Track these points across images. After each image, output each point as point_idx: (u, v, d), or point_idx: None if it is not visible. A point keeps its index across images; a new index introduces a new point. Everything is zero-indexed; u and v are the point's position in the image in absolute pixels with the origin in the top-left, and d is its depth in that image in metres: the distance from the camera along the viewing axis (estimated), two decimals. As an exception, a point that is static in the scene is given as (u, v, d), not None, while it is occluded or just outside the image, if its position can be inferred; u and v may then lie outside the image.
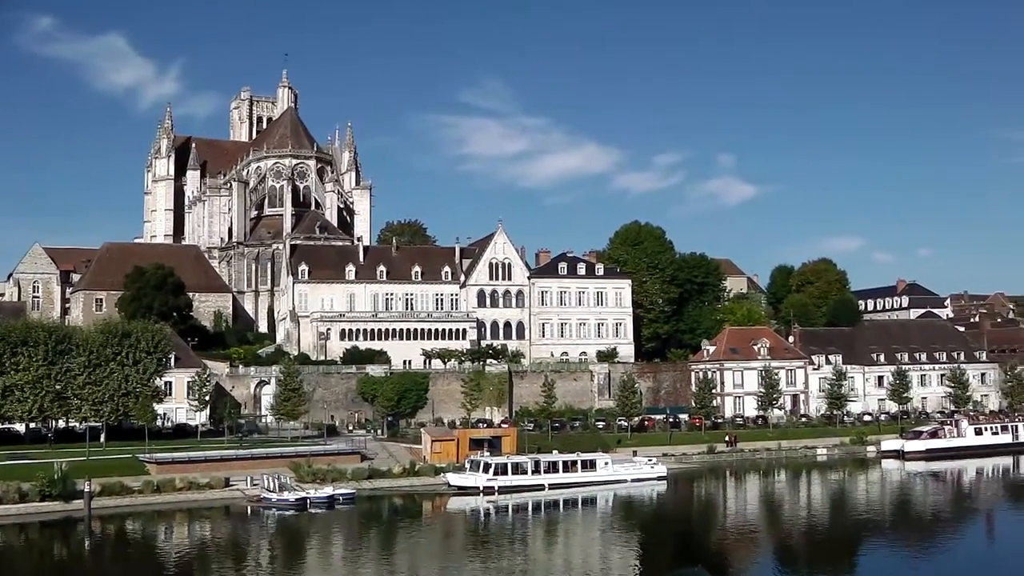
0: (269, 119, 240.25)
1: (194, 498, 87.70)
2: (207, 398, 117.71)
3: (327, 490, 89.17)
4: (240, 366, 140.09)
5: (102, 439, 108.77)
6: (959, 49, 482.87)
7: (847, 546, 73.62)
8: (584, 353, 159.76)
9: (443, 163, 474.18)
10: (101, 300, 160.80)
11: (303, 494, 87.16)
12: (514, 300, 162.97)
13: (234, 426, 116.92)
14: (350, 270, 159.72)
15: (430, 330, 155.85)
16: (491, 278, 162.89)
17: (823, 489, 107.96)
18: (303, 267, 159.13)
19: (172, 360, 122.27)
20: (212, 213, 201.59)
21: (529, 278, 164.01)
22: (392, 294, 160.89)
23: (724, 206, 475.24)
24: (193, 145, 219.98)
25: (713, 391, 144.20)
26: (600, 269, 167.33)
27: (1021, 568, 63.63)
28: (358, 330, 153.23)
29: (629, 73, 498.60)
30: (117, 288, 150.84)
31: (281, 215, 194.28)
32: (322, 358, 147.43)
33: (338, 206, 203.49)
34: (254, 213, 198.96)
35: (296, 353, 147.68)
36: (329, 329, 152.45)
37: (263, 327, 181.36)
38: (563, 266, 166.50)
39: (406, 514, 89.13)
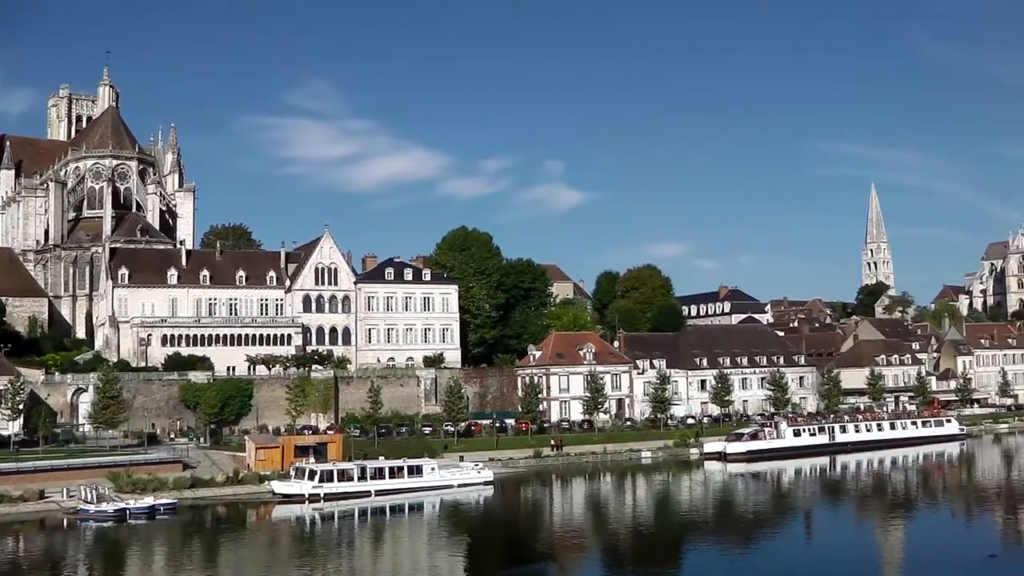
0: (89, 118, 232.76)
1: (5, 511, 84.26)
2: (21, 407, 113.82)
3: (147, 500, 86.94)
4: (56, 373, 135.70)
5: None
6: (778, 63, 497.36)
7: (671, 546, 74.93)
8: (411, 359, 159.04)
9: (267, 165, 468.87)
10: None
11: (122, 505, 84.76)
12: (340, 305, 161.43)
13: (49, 435, 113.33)
14: (172, 274, 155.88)
15: (255, 336, 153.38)
16: (317, 283, 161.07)
17: (648, 491, 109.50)
18: (123, 271, 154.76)
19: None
20: (27, 214, 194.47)
21: (356, 283, 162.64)
22: (216, 299, 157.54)
23: (551, 212, 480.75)
24: (7, 143, 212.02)
25: (539, 396, 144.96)
26: (427, 275, 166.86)
27: (837, 564, 65.29)
28: (180, 336, 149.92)
29: (457, 77, 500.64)
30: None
31: (101, 217, 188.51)
32: (143, 365, 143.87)
33: (160, 209, 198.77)
34: (72, 215, 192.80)
35: (115, 360, 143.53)
36: (150, 335, 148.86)
37: (81, 333, 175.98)
38: (390, 271, 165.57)
39: (230, 523, 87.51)
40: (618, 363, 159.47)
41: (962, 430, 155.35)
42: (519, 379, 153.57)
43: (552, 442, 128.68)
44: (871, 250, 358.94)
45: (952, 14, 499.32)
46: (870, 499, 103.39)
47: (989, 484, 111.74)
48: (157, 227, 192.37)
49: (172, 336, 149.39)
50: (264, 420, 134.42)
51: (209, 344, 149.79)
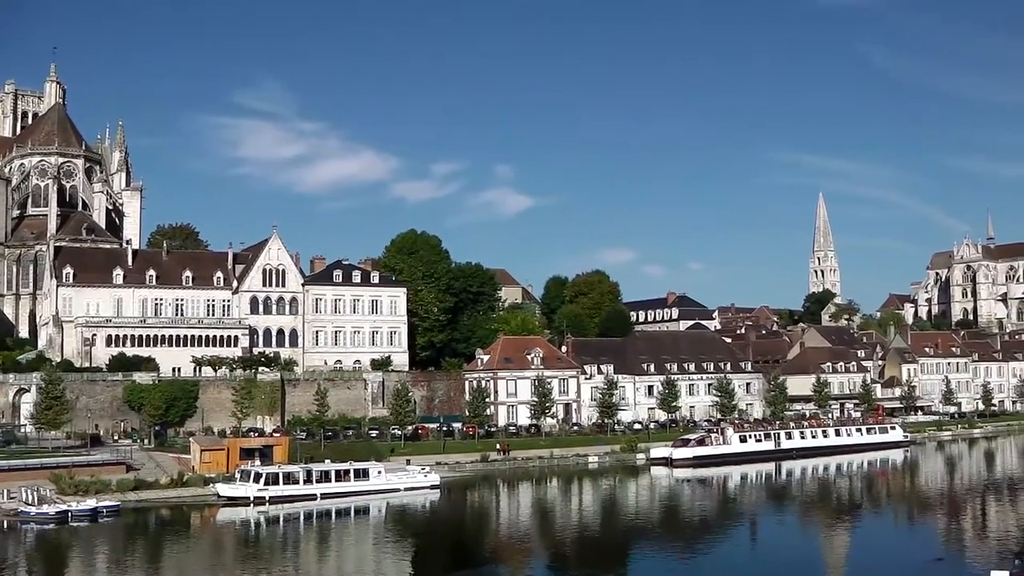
0: (35, 114, 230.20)
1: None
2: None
3: (90, 502, 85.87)
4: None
5: None
6: (729, 71, 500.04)
7: (617, 551, 75.01)
8: (358, 361, 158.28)
9: (216, 166, 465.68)
10: None
11: (64, 507, 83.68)
12: (288, 307, 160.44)
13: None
14: (118, 274, 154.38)
15: (201, 337, 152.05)
16: (264, 284, 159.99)
17: (594, 496, 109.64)
18: (68, 270, 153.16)
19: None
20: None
21: (303, 285, 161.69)
22: (162, 299, 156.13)
23: (500, 216, 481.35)
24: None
25: (487, 400, 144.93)
26: (375, 277, 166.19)
27: (782, 570, 65.62)
28: (125, 336, 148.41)
29: (408, 80, 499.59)
30: None
31: (45, 215, 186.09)
32: (87, 365, 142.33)
33: (107, 207, 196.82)
34: (17, 212, 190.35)
35: (59, 360, 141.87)
36: (95, 335, 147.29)
37: (24, 332, 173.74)
38: (338, 273, 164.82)
39: (174, 526, 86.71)
40: (566, 368, 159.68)
41: (906, 437, 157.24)
42: (467, 383, 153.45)
43: (499, 446, 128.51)
44: (818, 258, 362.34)
45: (902, 28, 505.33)
46: (815, 505, 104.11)
47: (932, 490, 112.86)
48: (103, 226, 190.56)
49: (117, 336, 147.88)
50: (209, 422, 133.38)
51: (154, 345, 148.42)
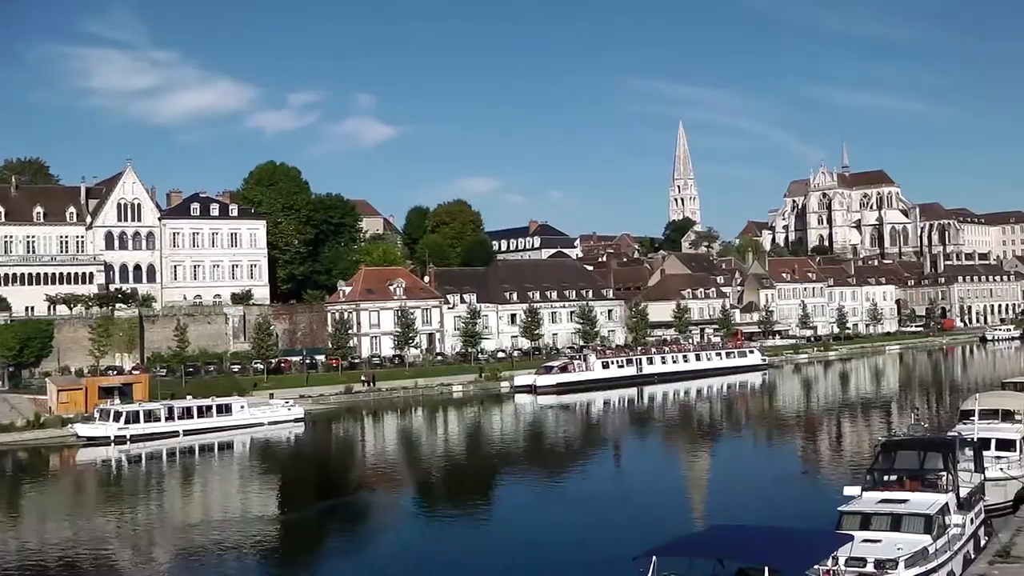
0: None
1: None
2: None
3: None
4: None
5: None
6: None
7: (483, 478, 75.33)
8: (218, 296, 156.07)
9: (65, 97, 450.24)
10: None
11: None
12: (144, 242, 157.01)
13: None
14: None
15: (54, 274, 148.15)
16: (120, 219, 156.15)
17: (459, 425, 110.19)
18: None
19: None
20: None
21: (160, 219, 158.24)
22: (11, 236, 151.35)
23: (361, 146, 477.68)
24: None
25: (350, 331, 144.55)
26: (234, 210, 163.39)
27: (646, 490, 66.42)
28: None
29: (266, 6, 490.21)
30: None
31: None
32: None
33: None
34: None
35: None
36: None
37: None
38: (196, 207, 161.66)
39: (32, 469, 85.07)
40: (428, 298, 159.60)
41: (764, 360, 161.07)
42: (329, 315, 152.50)
43: (363, 378, 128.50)
44: (678, 187, 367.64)
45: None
46: (677, 428, 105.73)
47: (790, 412, 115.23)
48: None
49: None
50: (66, 361, 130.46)
51: (5, 284, 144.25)
